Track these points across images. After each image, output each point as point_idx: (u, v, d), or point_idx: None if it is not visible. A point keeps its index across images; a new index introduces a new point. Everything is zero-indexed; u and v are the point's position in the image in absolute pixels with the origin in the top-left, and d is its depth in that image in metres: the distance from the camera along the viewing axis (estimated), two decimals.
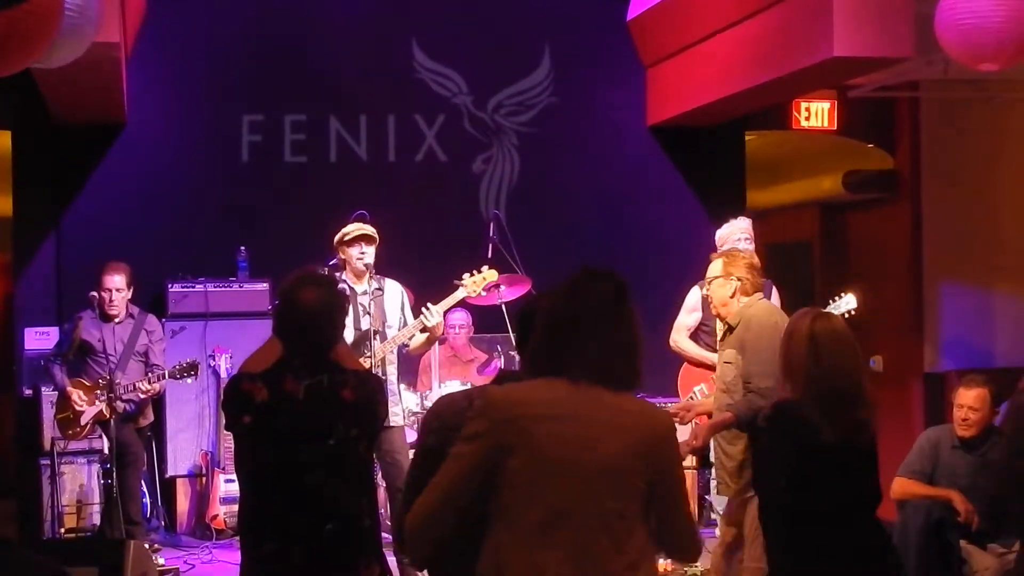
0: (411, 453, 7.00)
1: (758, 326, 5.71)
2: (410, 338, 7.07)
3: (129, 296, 7.98)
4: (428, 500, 3.12)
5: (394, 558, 6.17)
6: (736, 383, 5.71)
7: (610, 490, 3.06)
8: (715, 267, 5.99)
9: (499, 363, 8.35)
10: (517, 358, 8.02)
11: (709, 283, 6.00)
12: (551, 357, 3.14)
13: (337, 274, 7.01)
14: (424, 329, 7.01)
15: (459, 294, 7.26)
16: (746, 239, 7.18)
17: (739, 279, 5.86)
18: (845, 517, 4.07)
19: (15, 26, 4.88)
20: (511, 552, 3.05)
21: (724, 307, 5.89)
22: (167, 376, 7.77)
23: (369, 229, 7.14)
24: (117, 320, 7.92)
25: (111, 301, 7.86)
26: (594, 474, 3.04)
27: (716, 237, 7.42)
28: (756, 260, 6.09)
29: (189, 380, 7.88)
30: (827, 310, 6.26)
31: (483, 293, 7.47)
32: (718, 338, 6.07)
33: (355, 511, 4.06)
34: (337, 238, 7.20)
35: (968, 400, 6.47)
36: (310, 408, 3.97)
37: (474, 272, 7.38)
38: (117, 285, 7.87)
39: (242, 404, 4.01)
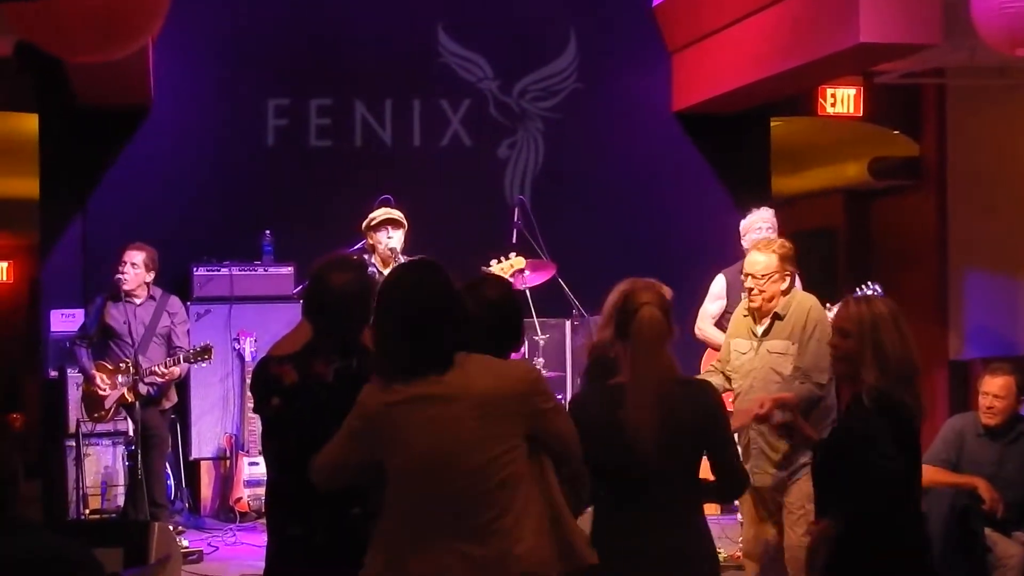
0: None
1: (816, 318, 5.58)
2: None
3: (150, 279, 7.97)
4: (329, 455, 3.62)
5: None
6: (795, 375, 5.54)
7: (478, 460, 3.36)
8: (769, 262, 5.66)
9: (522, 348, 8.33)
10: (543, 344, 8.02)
11: (762, 278, 5.66)
12: (399, 353, 3.45)
13: (366, 257, 7.05)
14: None
15: None
16: (768, 228, 7.11)
17: (792, 272, 5.74)
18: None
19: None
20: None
21: (774, 300, 5.66)
22: (182, 360, 7.80)
23: (395, 213, 7.16)
24: (138, 301, 7.93)
25: (123, 275, 7.81)
26: (460, 449, 3.34)
27: (740, 227, 7.38)
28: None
29: (203, 364, 7.89)
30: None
31: (510, 280, 7.48)
32: (760, 329, 5.72)
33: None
34: (365, 223, 7.24)
35: (993, 388, 6.44)
36: (339, 391, 3.94)
37: (502, 259, 7.38)
38: (132, 259, 7.86)
39: (271, 386, 4.01)
